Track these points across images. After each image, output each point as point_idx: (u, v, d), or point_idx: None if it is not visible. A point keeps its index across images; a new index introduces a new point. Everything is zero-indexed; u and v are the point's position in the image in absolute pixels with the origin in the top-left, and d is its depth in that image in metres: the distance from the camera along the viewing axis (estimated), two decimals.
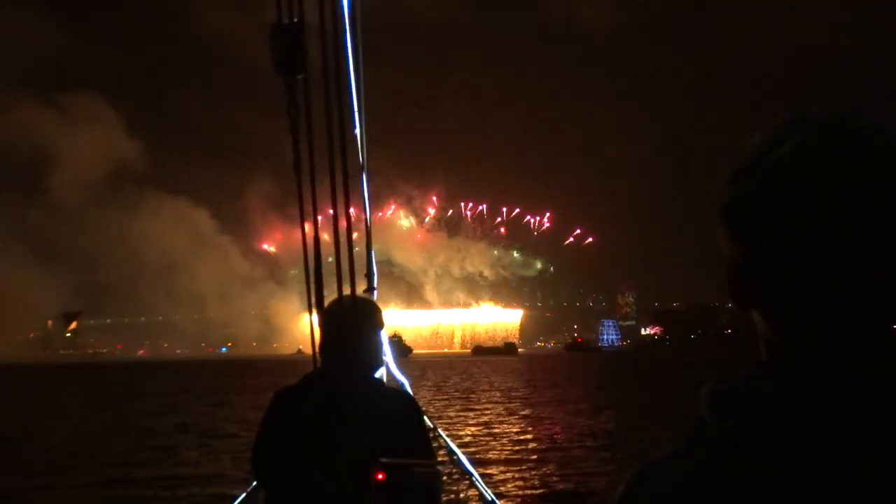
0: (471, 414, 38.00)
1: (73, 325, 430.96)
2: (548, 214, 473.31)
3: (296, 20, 3.17)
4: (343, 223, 3.46)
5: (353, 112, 5.33)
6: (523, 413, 38.81)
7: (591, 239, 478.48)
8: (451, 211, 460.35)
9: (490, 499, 5.32)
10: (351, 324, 3.43)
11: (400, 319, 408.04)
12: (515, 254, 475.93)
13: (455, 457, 6.10)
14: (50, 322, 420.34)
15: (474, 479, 5.86)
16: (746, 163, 0.94)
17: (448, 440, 6.72)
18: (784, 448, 0.87)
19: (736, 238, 0.96)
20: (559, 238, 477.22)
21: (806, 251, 0.89)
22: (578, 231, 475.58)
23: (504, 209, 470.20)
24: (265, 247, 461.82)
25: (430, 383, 64.55)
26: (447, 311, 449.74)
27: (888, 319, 0.90)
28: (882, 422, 0.84)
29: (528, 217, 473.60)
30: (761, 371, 0.95)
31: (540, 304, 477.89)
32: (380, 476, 3.00)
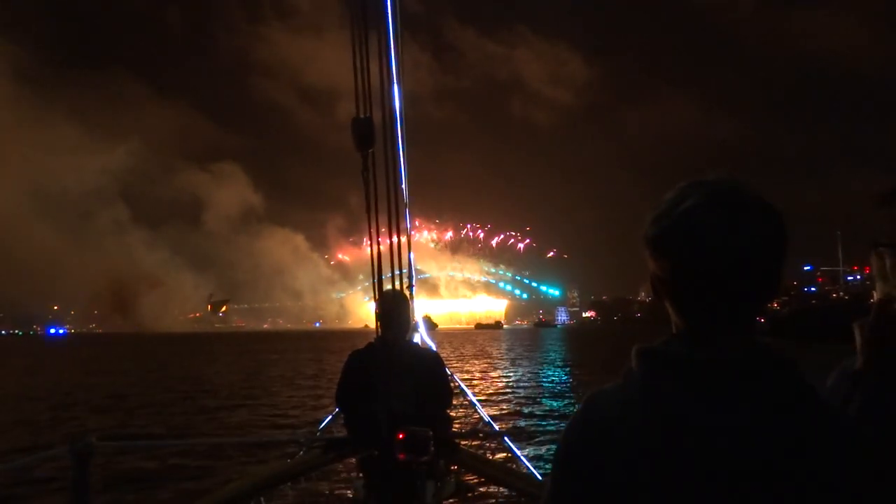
0: (477, 362, 40.01)
1: (224, 308, 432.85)
2: (527, 240, 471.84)
3: (368, 115, 3.17)
4: (394, 244, 3.47)
5: (401, 173, 5.31)
6: (502, 363, 40.14)
7: (553, 253, 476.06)
8: (450, 233, 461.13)
9: (486, 420, 5.29)
10: (396, 306, 3.43)
11: (429, 307, 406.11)
12: (500, 268, 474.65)
13: (465, 394, 6.03)
14: (209, 306, 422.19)
15: (477, 408, 5.79)
16: (663, 210, 0.96)
17: (460, 382, 6.66)
18: (678, 386, 0.92)
19: (656, 259, 0.98)
20: (533, 254, 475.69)
21: (697, 268, 0.92)
22: (553, 252, 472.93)
23: (480, 233, 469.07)
24: (340, 256, 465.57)
25: (451, 347, 65.13)
26: (457, 301, 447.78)
27: (750, 312, 0.96)
28: (727, 372, 0.90)
29: (512, 239, 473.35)
30: (670, 339, 0.98)
31: (518, 297, 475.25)
32: (401, 436, 2.96)
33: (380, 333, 3.36)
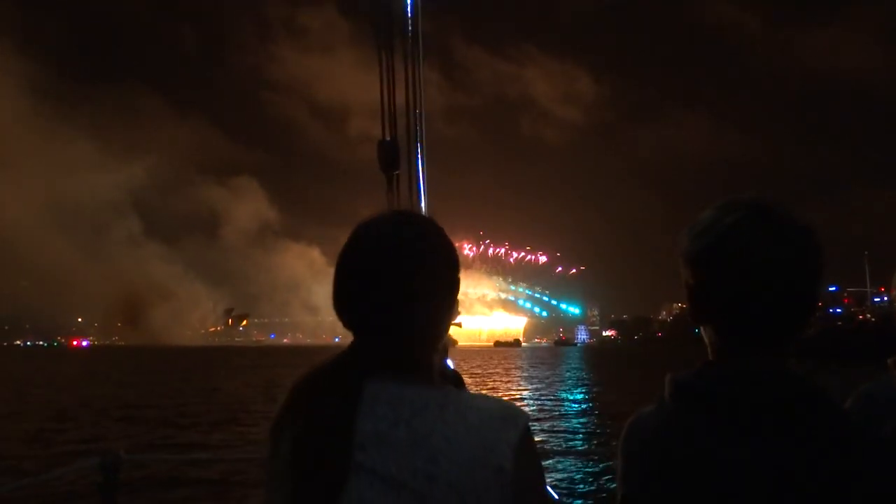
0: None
1: (245, 322, 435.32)
2: (543, 255, 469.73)
3: (393, 136, 3.24)
4: None
5: (421, 193, 5.38)
6: (517, 381, 41.56)
7: (573, 270, 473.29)
8: (468, 248, 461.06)
9: None
10: None
11: None
12: (520, 285, 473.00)
13: None
14: (230, 321, 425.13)
15: None
16: (705, 226, 0.98)
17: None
18: (707, 421, 0.93)
19: (697, 276, 0.98)
20: (551, 271, 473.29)
21: (740, 286, 0.94)
22: (560, 268, 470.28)
23: (492, 249, 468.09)
24: None
25: (475, 363, 65.64)
26: (476, 318, 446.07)
27: (787, 333, 0.97)
28: (768, 402, 0.91)
29: (530, 256, 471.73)
30: (704, 368, 0.99)
31: (537, 315, 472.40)
32: None
33: None
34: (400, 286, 0.97)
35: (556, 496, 4.27)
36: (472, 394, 1.00)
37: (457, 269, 1.06)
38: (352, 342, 1.01)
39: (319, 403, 0.94)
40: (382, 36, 2.96)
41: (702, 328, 1.02)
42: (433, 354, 1.04)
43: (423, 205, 6.05)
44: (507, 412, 0.94)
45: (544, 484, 1.02)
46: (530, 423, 0.96)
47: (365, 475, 0.88)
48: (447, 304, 1.04)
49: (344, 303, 1.01)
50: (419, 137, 4.74)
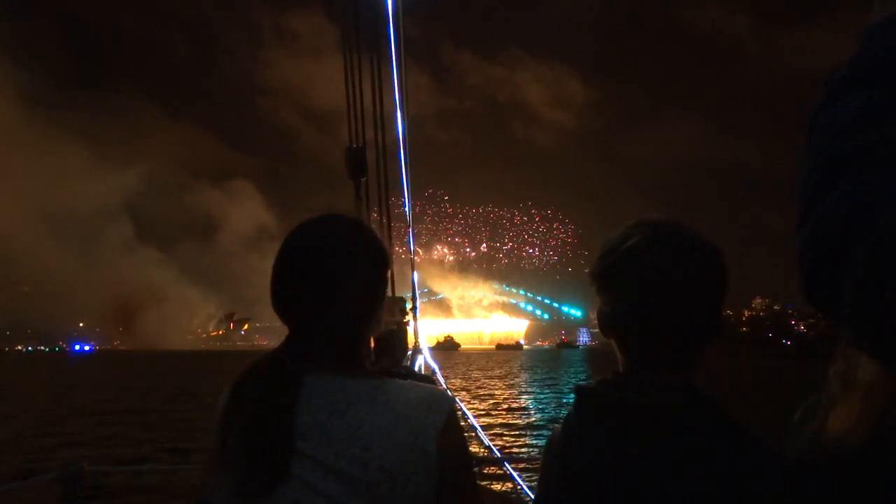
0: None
1: (246, 326, 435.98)
2: (535, 250, 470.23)
3: (360, 145, 3.20)
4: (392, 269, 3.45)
5: (404, 197, 5.33)
6: (515, 385, 40.73)
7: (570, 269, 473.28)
8: (468, 252, 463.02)
9: (487, 444, 5.21)
10: (388, 333, 3.35)
11: (451, 327, 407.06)
12: (516, 288, 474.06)
13: (466, 417, 5.93)
14: (231, 325, 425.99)
15: (478, 431, 5.69)
16: (609, 248, 1.01)
17: (461, 405, 6.52)
18: (604, 428, 0.96)
19: (601, 295, 1.03)
20: (547, 274, 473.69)
21: (639, 304, 0.96)
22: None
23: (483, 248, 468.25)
24: None
25: (475, 367, 65.35)
26: (479, 321, 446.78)
27: (688, 351, 0.98)
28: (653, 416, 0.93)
29: (525, 259, 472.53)
30: (609, 378, 1.02)
31: (539, 317, 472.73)
32: None
33: (373, 361, 3.33)
34: (328, 287, 1.04)
35: (533, 496, 4.18)
36: (403, 383, 1.06)
37: (385, 268, 1.13)
38: (287, 337, 1.08)
39: (261, 396, 1.01)
40: (347, 42, 2.93)
41: (612, 342, 1.05)
42: (365, 348, 1.13)
43: (406, 209, 6.00)
44: (433, 399, 1.04)
45: (470, 464, 1.10)
46: (455, 408, 1.06)
47: (307, 462, 0.96)
48: (377, 302, 1.11)
49: (279, 302, 1.08)
50: (402, 141, 4.70)
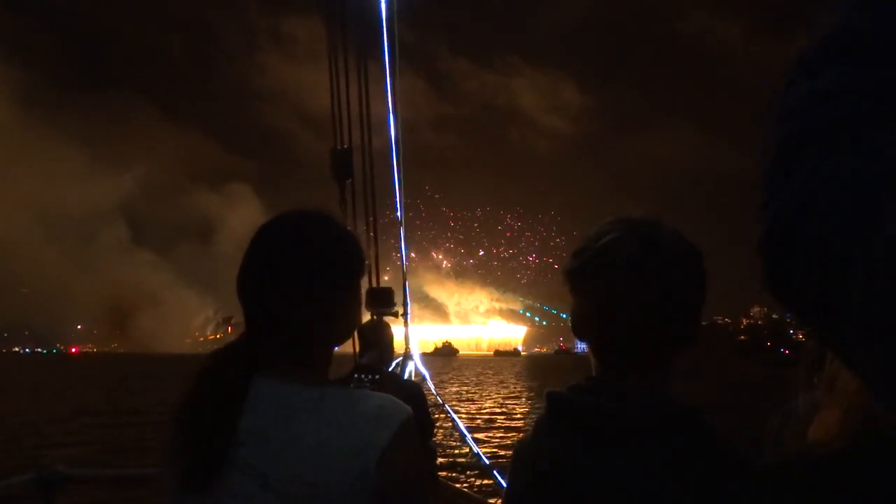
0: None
1: None
2: (533, 257, 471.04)
3: (346, 146, 3.18)
4: (377, 271, 3.41)
5: (396, 201, 5.30)
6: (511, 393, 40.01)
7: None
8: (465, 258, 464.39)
9: (476, 452, 5.16)
10: (372, 328, 3.27)
11: (449, 333, 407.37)
12: (513, 294, 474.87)
13: (455, 425, 5.89)
14: (230, 329, 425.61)
15: (467, 440, 5.62)
16: (584, 245, 0.97)
17: (452, 413, 6.45)
18: (575, 435, 0.92)
19: (574, 293, 0.98)
20: (544, 280, 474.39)
21: (612, 304, 0.92)
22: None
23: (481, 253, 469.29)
24: None
25: (472, 373, 65.16)
26: (476, 327, 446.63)
27: (662, 354, 0.95)
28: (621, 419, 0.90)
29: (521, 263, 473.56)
30: (582, 383, 0.97)
31: (538, 323, 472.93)
32: None
33: (358, 359, 3.24)
34: (292, 286, 0.99)
35: None
36: (355, 393, 0.99)
37: (357, 270, 1.07)
38: (241, 335, 1.04)
39: (206, 397, 0.97)
40: (332, 43, 2.91)
41: (586, 344, 1.00)
42: (329, 354, 1.05)
43: (399, 214, 5.97)
44: (383, 412, 0.94)
45: (421, 490, 0.99)
46: (408, 423, 0.95)
47: (241, 470, 0.91)
48: (345, 305, 1.05)
49: (241, 300, 1.03)
50: (395, 144, 4.68)
